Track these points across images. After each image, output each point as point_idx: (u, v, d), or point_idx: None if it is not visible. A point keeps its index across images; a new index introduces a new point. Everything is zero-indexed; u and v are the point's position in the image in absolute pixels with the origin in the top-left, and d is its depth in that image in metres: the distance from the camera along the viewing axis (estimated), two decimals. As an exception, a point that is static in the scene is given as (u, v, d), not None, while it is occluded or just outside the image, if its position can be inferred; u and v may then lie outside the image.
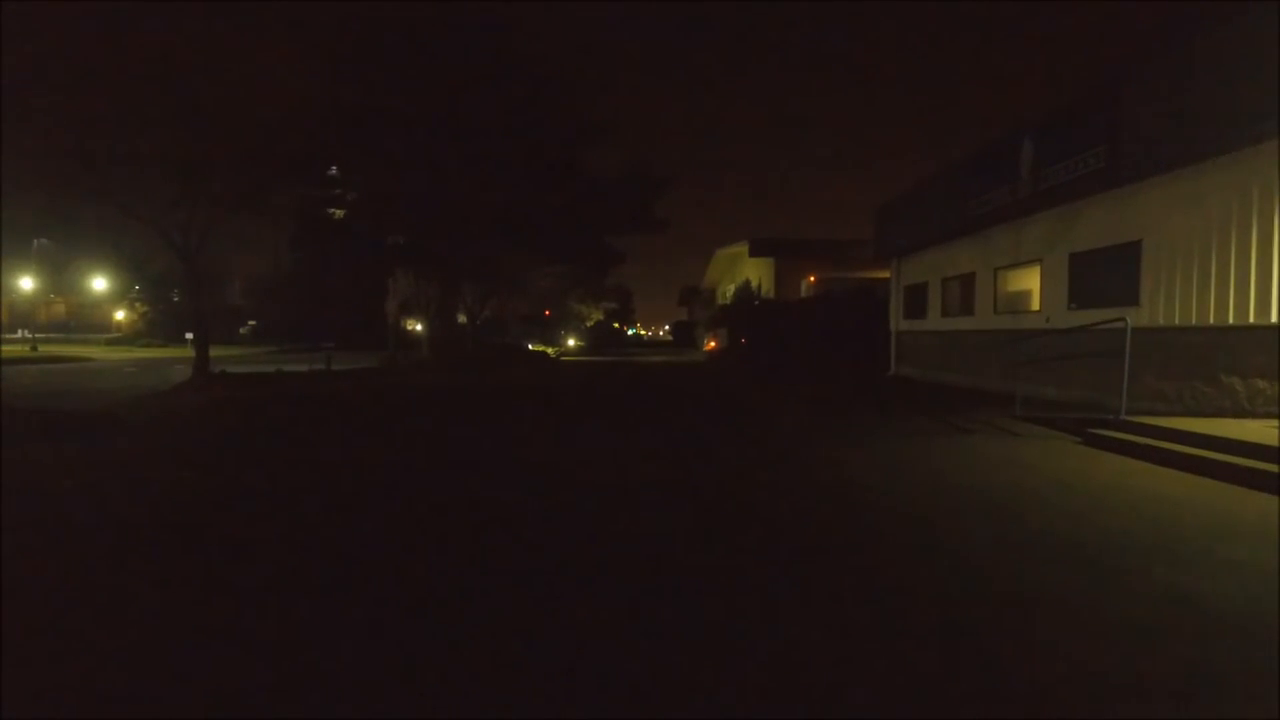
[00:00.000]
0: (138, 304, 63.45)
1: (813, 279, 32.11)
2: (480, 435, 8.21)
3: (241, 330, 64.69)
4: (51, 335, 58.85)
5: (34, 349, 35.33)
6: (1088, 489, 5.33)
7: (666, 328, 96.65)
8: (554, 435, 8.34)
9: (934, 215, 15.52)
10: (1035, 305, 12.23)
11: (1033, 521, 4.45)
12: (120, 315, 68.47)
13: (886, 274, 26.41)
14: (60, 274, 70.62)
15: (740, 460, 6.68)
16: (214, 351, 43.97)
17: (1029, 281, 12.63)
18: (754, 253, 34.06)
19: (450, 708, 2.32)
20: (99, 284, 68.75)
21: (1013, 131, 12.03)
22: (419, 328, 43.20)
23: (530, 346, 39.10)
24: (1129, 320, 7.85)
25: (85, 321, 71.00)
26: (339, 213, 24.19)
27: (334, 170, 22.78)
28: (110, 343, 53.03)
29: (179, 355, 36.70)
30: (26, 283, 58.77)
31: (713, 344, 39.86)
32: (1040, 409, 9.50)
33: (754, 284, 34.48)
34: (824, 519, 4.61)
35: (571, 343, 50.17)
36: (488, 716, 2.27)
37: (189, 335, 50.78)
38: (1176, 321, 8.76)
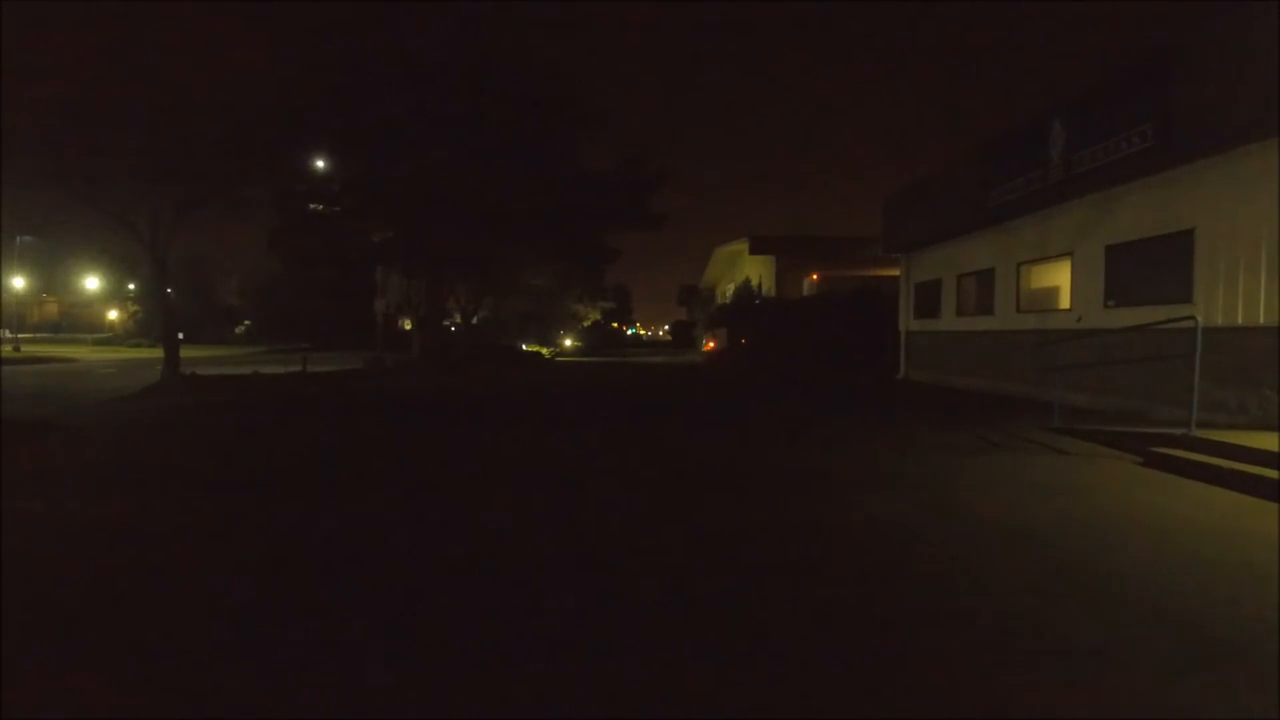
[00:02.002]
0: (128, 304, 62.50)
1: (815, 277, 31.04)
2: (437, 460, 7.14)
3: (237, 330, 63.76)
4: (39, 335, 57.83)
5: (16, 349, 34.20)
6: (1185, 535, 4.21)
7: (666, 328, 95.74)
8: (516, 460, 7.26)
9: (948, 207, 14.44)
10: (1064, 303, 11.15)
11: (1134, 589, 3.36)
12: (113, 315, 67.57)
13: (894, 272, 25.40)
14: (53, 273, 69.63)
15: (731, 497, 5.60)
16: (204, 352, 43.17)
17: (1057, 277, 11.55)
18: (754, 250, 33.00)
19: None
20: (92, 284, 67.80)
21: (1039, 112, 10.95)
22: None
23: (524, 347, 37.97)
24: (1198, 319, 6.74)
25: (78, 321, 70.07)
26: (319, 207, 23.05)
27: (314, 163, 21.62)
28: (99, 343, 51.99)
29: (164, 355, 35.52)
30: (18, 282, 57.63)
31: (711, 344, 38.78)
32: (1080, 420, 8.43)
33: (754, 283, 33.39)
34: (838, 587, 3.55)
35: (568, 343, 49.05)
36: None
37: (179, 335, 49.82)
38: (1240, 320, 7.69)
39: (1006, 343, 12.65)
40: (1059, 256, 11.19)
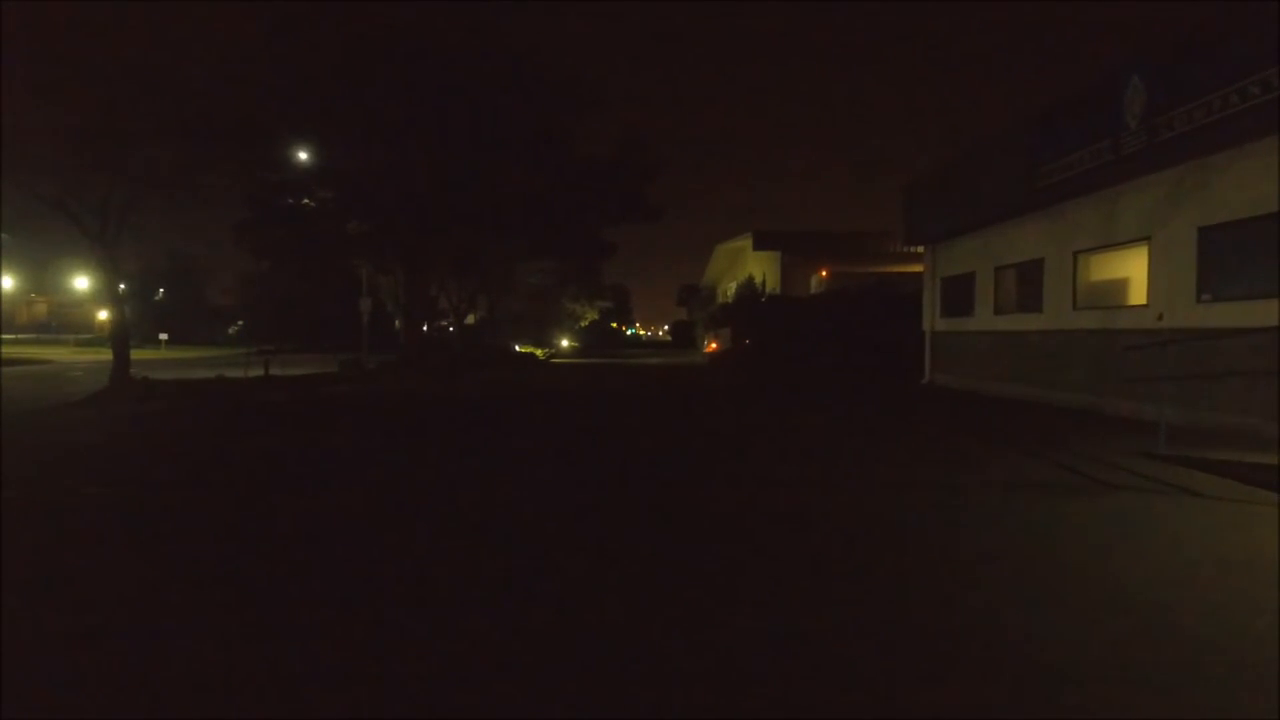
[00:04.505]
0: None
1: (824, 274, 29.32)
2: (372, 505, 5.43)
3: (230, 330, 62.36)
4: (24, 337, 56.27)
5: (-9, 351, 32.34)
6: None
7: (665, 328, 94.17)
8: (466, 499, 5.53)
9: (985, 190, 12.69)
10: (1138, 298, 9.41)
11: None
12: (104, 316, 66.02)
13: (912, 268, 23.73)
14: (43, 273, 68.11)
15: (747, 572, 3.86)
16: (189, 353, 41.30)
17: (1128, 267, 9.82)
18: (758, 246, 31.27)
19: None
20: (81, 283, 66.28)
21: (1111, 71, 9.19)
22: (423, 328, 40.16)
23: (517, 348, 36.20)
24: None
25: (67, 322, 68.63)
26: (289, 199, 21.23)
27: (284, 149, 19.82)
28: (83, 344, 50.38)
29: (146, 357, 34.16)
30: (6, 282, 55.82)
31: (714, 345, 37.04)
32: (1187, 442, 6.67)
33: (758, 280, 31.62)
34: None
35: (565, 343, 47.27)
36: None
37: (163, 336, 48.24)
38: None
39: (1060, 345, 10.91)
40: (1132, 242, 9.44)
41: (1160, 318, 8.73)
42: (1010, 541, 4.08)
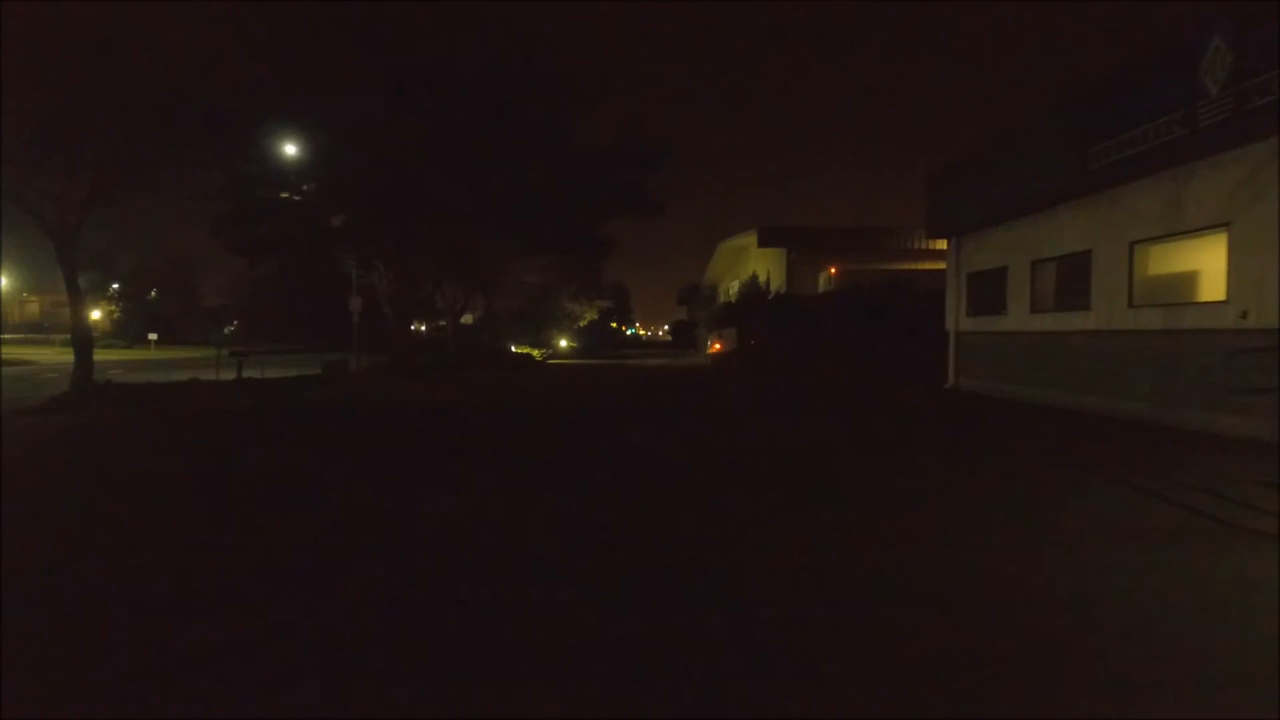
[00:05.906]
0: (103, 303, 59.82)
1: (833, 271, 28.15)
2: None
3: (226, 330, 61.39)
4: (14, 337, 55.14)
5: (-27, 351, 31.22)
6: None
7: (666, 328, 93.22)
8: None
9: (1024, 175, 11.50)
10: (1213, 294, 8.22)
11: None
12: (96, 315, 64.92)
13: (923, 265, 22.56)
14: (38, 272, 66.94)
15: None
16: (178, 353, 40.07)
17: (1198, 259, 8.64)
18: (763, 243, 30.04)
19: None
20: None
21: (1187, 35, 8.01)
22: (421, 328, 39.02)
23: (513, 348, 34.97)
24: None
25: (61, 321, 67.31)
26: (268, 192, 20.02)
27: (262, 139, 18.60)
28: (68, 344, 49.11)
29: (134, 357, 33.20)
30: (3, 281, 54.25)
31: (718, 346, 35.86)
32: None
33: (762, 278, 30.44)
34: None
35: (563, 344, 46.03)
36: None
37: (152, 336, 46.95)
38: None
39: (1113, 347, 9.72)
40: (1205, 230, 8.25)
41: (1244, 315, 7.56)
42: (1167, 633, 2.89)
